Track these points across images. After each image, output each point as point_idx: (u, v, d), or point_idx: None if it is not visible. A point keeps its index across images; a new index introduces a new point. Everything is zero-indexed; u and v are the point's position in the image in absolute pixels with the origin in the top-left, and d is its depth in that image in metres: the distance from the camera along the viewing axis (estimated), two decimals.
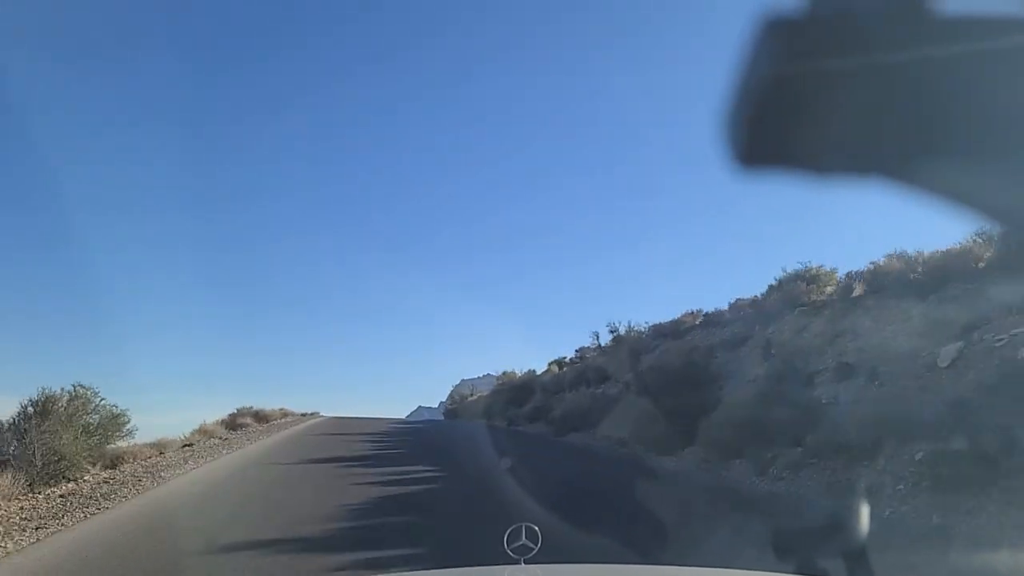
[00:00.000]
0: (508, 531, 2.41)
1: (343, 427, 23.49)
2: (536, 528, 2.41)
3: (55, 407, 10.70)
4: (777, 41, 0.66)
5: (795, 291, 16.02)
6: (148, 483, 10.58)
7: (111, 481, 10.56)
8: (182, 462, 13.02)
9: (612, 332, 24.65)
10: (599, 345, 25.88)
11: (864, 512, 2.08)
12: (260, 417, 24.09)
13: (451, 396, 42.83)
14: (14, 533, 7.29)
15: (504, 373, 35.78)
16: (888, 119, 0.66)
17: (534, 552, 2.36)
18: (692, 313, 22.26)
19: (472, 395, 40.25)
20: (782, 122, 0.68)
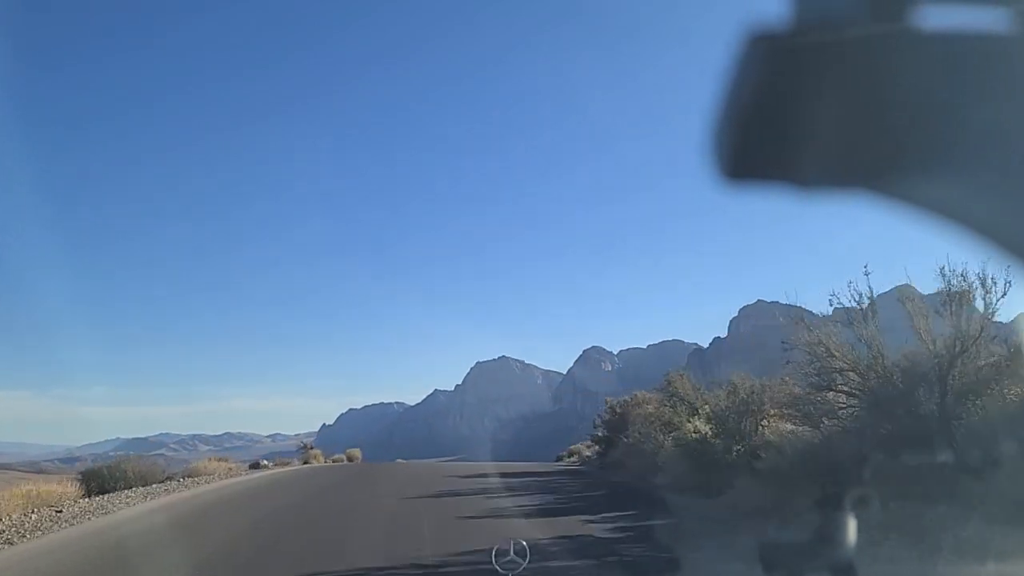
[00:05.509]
0: (495, 547, 2.39)
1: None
2: (524, 544, 2.39)
3: None
4: (761, 54, 0.66)
5: None
6: None
7: None
8: None
9: None
10: None
11: (852, 525, 2.05)
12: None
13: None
14: None
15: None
16: (869, 132, 0.66)
17: (522, 568, 2.34)
18: None
19: None
20: (766, 135, 0.68)
